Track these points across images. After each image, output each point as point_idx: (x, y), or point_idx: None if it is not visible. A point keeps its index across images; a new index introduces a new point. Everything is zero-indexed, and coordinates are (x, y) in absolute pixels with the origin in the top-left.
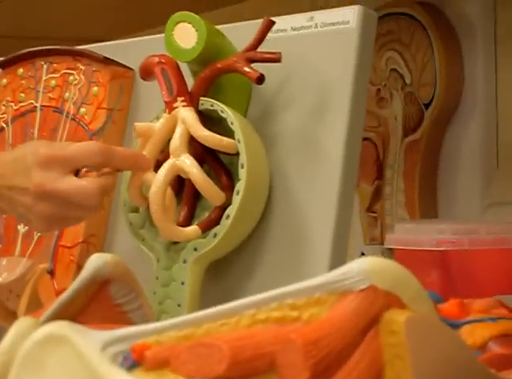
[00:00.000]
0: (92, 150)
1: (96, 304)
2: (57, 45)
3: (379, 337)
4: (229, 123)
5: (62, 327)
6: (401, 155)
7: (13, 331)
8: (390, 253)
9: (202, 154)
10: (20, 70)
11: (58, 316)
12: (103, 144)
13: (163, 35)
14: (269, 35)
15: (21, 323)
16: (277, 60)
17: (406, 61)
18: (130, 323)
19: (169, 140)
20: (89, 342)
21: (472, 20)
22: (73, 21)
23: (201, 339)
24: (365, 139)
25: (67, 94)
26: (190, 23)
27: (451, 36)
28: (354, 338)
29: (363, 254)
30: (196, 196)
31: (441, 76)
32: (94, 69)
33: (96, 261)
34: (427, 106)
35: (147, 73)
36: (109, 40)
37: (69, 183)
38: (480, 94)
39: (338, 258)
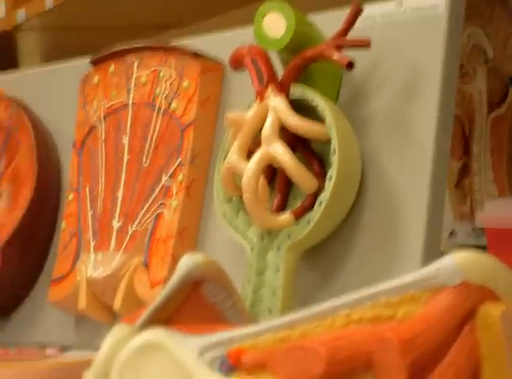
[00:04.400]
0: None
1: (189, 305)
2: (140, 33)
3: (475, 332)
4: (320, 110)
5: (158, 334)
6: (487, 131)
7: (111, 339)
8: (481, 231)
9: (294, 142)
10: (112, 67)
11: (153, 320)
12: None
13: (249, 27)
14: (358, 22)
15: (118, 330)
16: (367, 46)
17: (488, 35)
18: (225, 321)
19: (261, 129)
20: (186, 348)
21: None
22: (155, 8)
23: (296, 341)
24: None
25: (158, 89)
26: (278, 12)
27: None
28: (450, 334)
29: (453, 231)
30: (289, 184)
31: None
32: (184, 63)
33: (187, 263)
34: (511, 80)
35: (237, 63)
36: (190, 24)
37: None
38: None
39: (433, 240)
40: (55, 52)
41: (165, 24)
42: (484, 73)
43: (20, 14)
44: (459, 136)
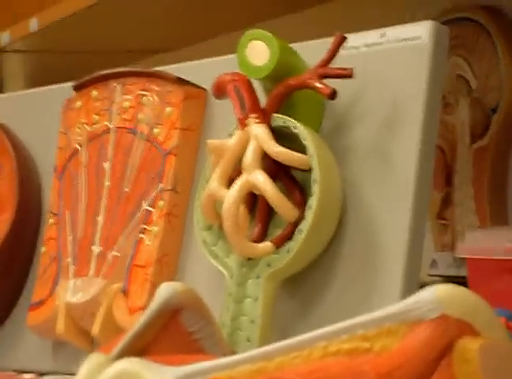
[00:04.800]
0: None
1: (167, 333)
2: (122, 58)
3: (453, 366)
4: (301, 139)
5: (133, 363)
6: (470, 162)
7: (86, 367)
8: (462, 261)
9: (275, 170)
10: (94, 92)
11: (130, 348)
12: None
13: (234, 55)
14: (342, 51)
15: (94, 358)
16: (349, 76)
17: (471, 66)
18: (203, 351)
19: (242, 157)
20: (161, 378)
21: None
22: (139, 33)
23: (273, 373)
24: None
25: (140, 115)
26: (262, 40)
27: None
28: (427, 368)
29: (434, 262)
30: (269, 212)
31: (507, 81)
32: (167, 89)
33: (165, 291)
34: (493, 111)
35: (220, 90)
36: (174, 50)
37: None
38: None
39: (412, 271)
40: (39, 75)
41: (150, 49)
42: (467, 103)
43: (5, 37)
44: (441, 167)
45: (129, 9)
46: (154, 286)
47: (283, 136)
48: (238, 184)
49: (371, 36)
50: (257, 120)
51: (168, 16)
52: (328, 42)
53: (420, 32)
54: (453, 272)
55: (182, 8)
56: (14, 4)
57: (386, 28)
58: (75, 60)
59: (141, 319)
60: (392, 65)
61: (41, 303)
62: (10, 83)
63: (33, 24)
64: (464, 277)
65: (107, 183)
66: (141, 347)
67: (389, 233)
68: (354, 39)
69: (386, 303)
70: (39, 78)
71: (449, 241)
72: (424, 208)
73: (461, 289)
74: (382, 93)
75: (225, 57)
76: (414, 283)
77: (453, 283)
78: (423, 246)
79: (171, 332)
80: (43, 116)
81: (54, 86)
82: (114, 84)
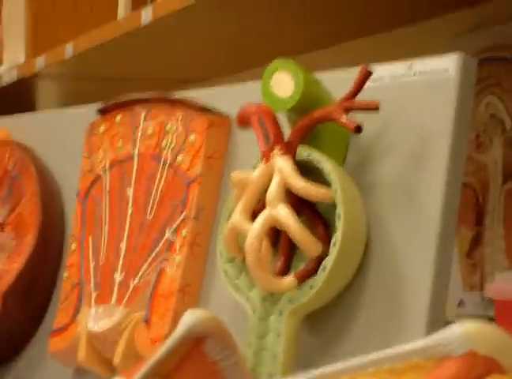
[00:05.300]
0: None
1: (190, 361)
2: (155, 86)
3: None
4: (326, 173)
5: None
6: (501, 201)
7: None
8: (490, 302)
9: (299, 204)
10: (118, 117)
11: (152, 374)
12: None
13: (259, 81)
14: (368, 83)
15: None
16: (375, 109)
17: (505, 105)
18: None
19: (266, 190)
20: None
21: None
22: (172, 63)
23: None
24: (464, 184)
25: (164, 142)
26: (287, 71)
27: None
28: None
29: (462, 301)
30: (292, 246)
31: None
32: (191, 117)
33: (190, 318)
34: None
35: (244, 121)
36: (207, 81)
37: None
38: None
39: (437, 309)
40: (73, 101)
41: (181, 78)
42: (501, 143)
43: (40, 61)
44: (472, 206)
45: (164, 38)
46: (176, 315)
47: (307, 169)
48: (261, 218)
49: (398, 68)
50: (281, 153)
51: (197, 48)
52: (353, 72)
53: (447, 65)
54: (480, 312)
55: (210, 41)
56: (51, 29)
57: (413, 60)
58: (109, 87)
59: (164, 345)
60: (418, 97)
61: (63, 329)
62: (44, 109)
63: (68, 50)
64: (492, 318)
65: (130, 210)
66: (163, 374)
67: (413, 268)
68: (380, 71)
69: (411, 339)
70: (72, 104)
71: (478, 281)
72: (450, 242)
73: (490, 326)
74: (408, 126)
75: (251, 83)
76: (440, 319)
77: None
78: (452, 285)
79: (194, 359)
80: (67, 138)
81: (78, 108)
82: (139, 110)
